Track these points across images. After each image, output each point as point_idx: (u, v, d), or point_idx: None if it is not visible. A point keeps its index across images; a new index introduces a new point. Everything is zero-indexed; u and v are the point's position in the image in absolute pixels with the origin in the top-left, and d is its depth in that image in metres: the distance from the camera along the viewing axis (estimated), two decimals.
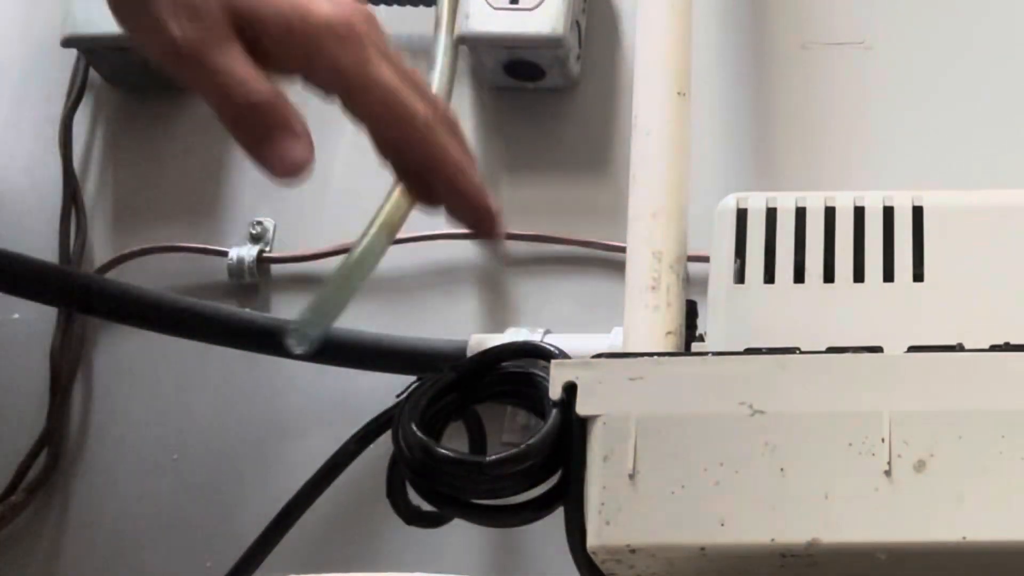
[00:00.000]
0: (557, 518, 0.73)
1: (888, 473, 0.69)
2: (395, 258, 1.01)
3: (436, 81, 1.03)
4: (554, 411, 0.73)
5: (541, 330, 1.01)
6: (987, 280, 0.78)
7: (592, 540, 0.70)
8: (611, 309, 0.97)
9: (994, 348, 0.72)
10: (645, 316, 0.81)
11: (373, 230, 0.94)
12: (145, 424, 1.08)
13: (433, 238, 1.05)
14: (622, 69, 1.09)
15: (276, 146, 0.69)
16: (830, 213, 0.80)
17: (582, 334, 0.99)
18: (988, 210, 0.80)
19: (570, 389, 0.73)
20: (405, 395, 0.78)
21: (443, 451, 0.74)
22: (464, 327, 1.04)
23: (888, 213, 0.80)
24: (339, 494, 0.95)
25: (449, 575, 0.92)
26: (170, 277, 1.09)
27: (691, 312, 0.82)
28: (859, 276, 0.79)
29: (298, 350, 0.88)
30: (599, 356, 0.74)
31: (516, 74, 1.09)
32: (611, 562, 0.70)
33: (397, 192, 0.93)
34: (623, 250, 0.86)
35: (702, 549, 0.69)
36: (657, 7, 0.92)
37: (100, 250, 1.11)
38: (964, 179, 1.02)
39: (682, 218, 0.85)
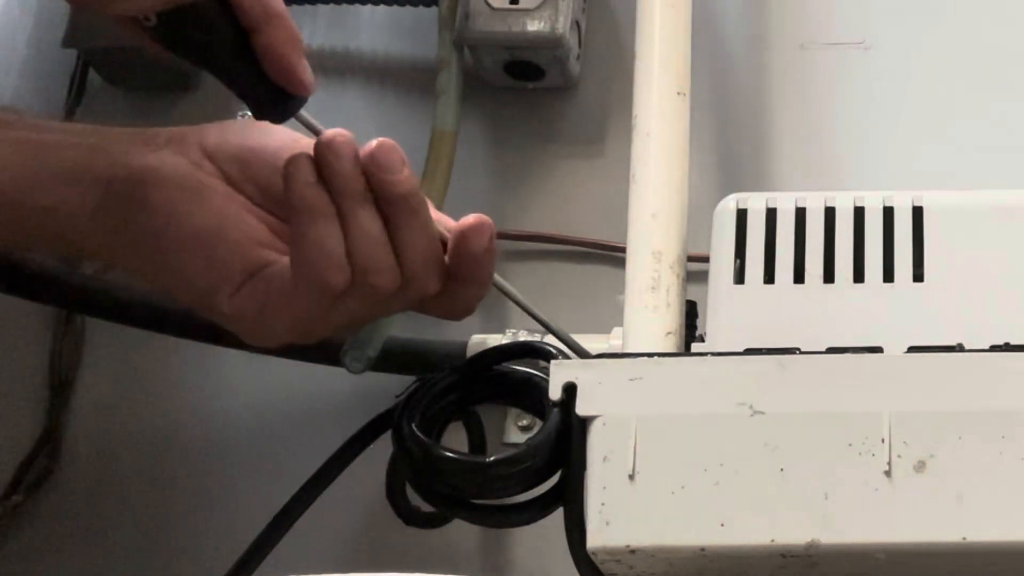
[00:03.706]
0: (557, 518, 0.73)
1: (888, 473, 0.69)
2: None
3: (445, 82, 1.03)
4: (554, 411, 0.73)
5: (541, 330, 1.01)
6: (987, 280, 0.78)
7: (592, 540, 0.70)
8: (611, 309, 0.97)
9: (994, 348, 0.72)
10: (645, 316, 0.81)
11: None
12: (145, 424, 1.08)
13: None
14: (622, 69, 1.09)
15: None
16: (830, 213, 0.80)
17: (582, 334, 0.98)
18: (988, 210, 0.80)
19: (570, 389, 0.73)
20: (405, 395, 0.78)
21: (443, 452, 0.75)
22: (464, 327, 1.03)
23: (888, 213, 0.80)
24: (338, 494, 0.95)
25: (449, 575, 0.92)
26: None
27: (691, 312, 0.82)
28: (859, 276, 0.79)
29: (355, 369, 0.89)
30: (599, 356, 0.74)
31: (516, 74, 1.08)
32: (611, 562, 0.70)
33: (428, 197, 0.92)
34: (623, 250, 0.86)
35: (702, 550, 0.69)
36: (657, 7, 0.92)
37: None
38: (964, 179, 1.02)
39: (682, 218, 0.85)
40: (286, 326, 0.75)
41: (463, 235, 0.75)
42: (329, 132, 0.74)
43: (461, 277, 0.76)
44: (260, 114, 0.74)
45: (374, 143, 0.74)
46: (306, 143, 0.76)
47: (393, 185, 0.73)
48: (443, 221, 0.77)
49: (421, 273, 0.75)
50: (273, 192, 0.76)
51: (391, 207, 0.74)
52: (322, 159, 0.73)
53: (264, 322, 0.75)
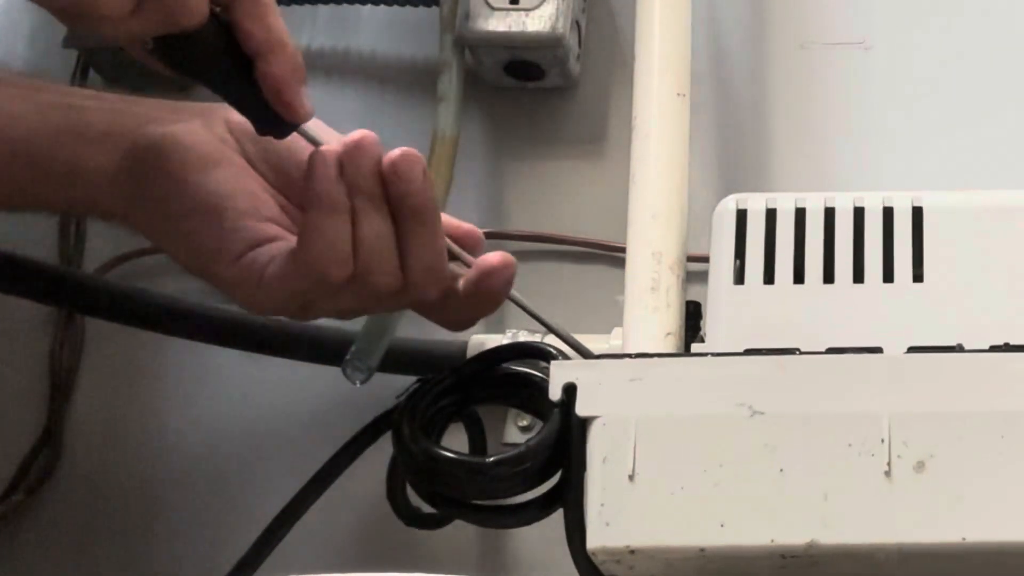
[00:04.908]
0: (557, 519, 0.73)
1: (888, 474, 0.69)
2: None
3: (447, 86, 1.03)
4: (554, 412, 0.73)
5: (541, 331, 1.01)
6: (987, 280, 0.78)
7: (592, 541, 0.70)
8: (611, 309, 0.97)
9: (994, 349, 0.72)
10: (645, 317, 0.81)
11: None
12: (145, 424, 1.08)
13: None
14: (622, 69, 1.09)
15: None
16: (829, 214, 0.80)
17: (582, 334, 0.99)
18: (988, 210, 0.80)
19: (570, 390, 0.73)
20: (405, 396, 0.78)
21: (443, 452, 0.75)
22: None
23: (888, 214, 0.80)
24: (339, 495, 0.95)
25: (449, 575, 0.92)
26: (170, 277, 1.09)
27: (695, 313, 0.82)
28: (859, 277, 0.79)
29: (356, 379, 0.89)
30: (599, 357, 0.74)
31: (516, 74, 1.09)
32: (611, 563, 0.70)
33: None
34: (623, 250, 0.86)
35: (702, 550, 0.69)
36: (657, 7, 0.92)
37: (100, 250, 1.11)
38: (964, 179, 1.02)
39: (682, 219, 0.85)
40: (280, 301, 0.77)
41: (487, 274, 0.77)
42: (357, 133, 0.75)
43: (475, 303, 0.78)
44: (260, 132, 0.75)
45: (398, 152, 0.75)
46: (327, 134, 0.78)
47: (408, 196, 0.75)
48: (452, 228, 0.78)
49: (422, 281, 0.76)
50: (286, 174, 0.78)
51: (403, 215, 0.75)
52: (347, 157, 0.74)
53: (259, 294, 0.76)
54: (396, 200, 0.75)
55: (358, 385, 0.90)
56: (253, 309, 0.78)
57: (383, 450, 0.80)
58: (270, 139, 0.77)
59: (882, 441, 0.69)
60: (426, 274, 0.76)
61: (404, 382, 0.81)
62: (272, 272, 0.75)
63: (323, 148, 0.75)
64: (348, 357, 0.90)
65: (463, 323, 0.80)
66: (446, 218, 0.79)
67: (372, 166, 0.74)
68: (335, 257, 0.74)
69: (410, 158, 0.75)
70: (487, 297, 0.78)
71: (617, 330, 0.94)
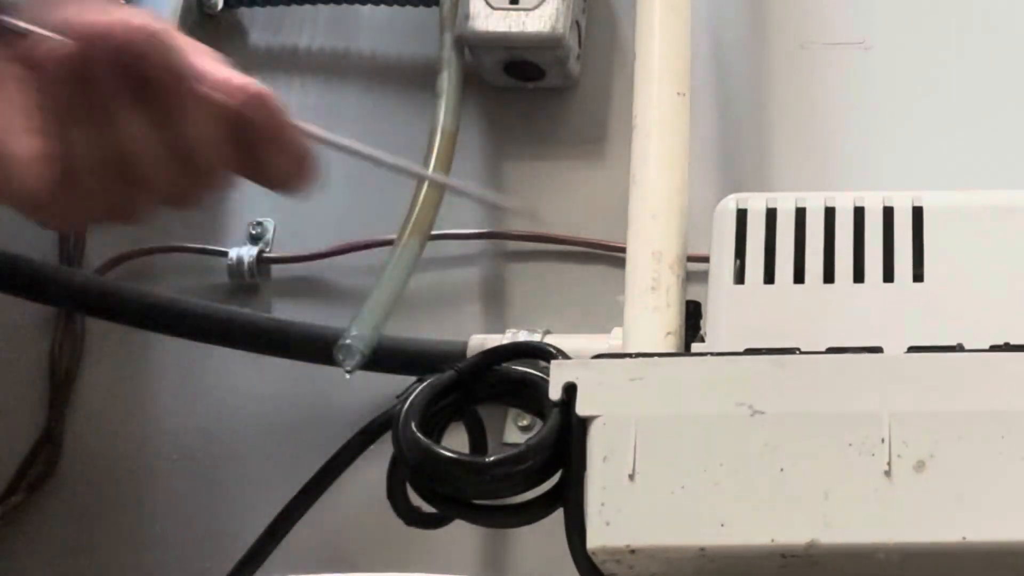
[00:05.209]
0: (557, 519, 0.73)
1: (888, 473, 0.69)
2: None
3: (446, 82, 1.03)
4: (554, 412, 0.73)
5: (541, 330, 1.01)
6: (987, 280, 0.78)
7: (592, 541, 0.70)
8: (611, 309, 0.97)
9: (994, 348, 0.72)
10: (645, 317, 0.82)
11: (405, 237, 0.95)
12: (145, 424, 1.08)
13: (433, 238, 1.04)
14: (622, 69, 1.10)
15: None
16: (830, 214, 0.80)
17: (582, 334, 0.99)
18: (988, 210, 0.80)
19: (570, 389, 0.73)
20: (405, 396, 0.78)
21: (443, 452, 0.74)
22: (464, 327, 1.04)
23: (888, 213, 0.80)
24: (339, 495, 0.95)
25: (449, 575, 0.92)
26: (170, 277, 1.10)
27: (695, 312, 0.83)
28: (859, 276, 0.79)
29: (348, 366, 0.89)
30: (599, 356, 0.74)
31: (516, 74, 1.09)
32: (611, 562, 0.70)
33: (424, 195, 0.93)
34: (623, 250, 0.86)
35: (702, 550, 0.69)
36: (657, 7, 0.92)
37: (100, 250, 1.11)
38: (964, 179, 1.02)
39: (682, 219, 0.85)
40: (73, 217, 0.70)
41: (238, 112, 0.69)
42: (99, 26, 0.67)
43: (261, 146, 0.71)
44: None
45: (130, 31, 0.67)
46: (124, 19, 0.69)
47: (152, 78, 0.67)
48: (221, 84, 0.70)
49: (206, 158, 0.69)
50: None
51: (155, 100, 0.68)
52: (79, 54, 0.67)
53: (51, 210, 0.68)
54: (141, 87, 0.67)
55: (348, 375, 0.90)
56: (51, 226, 0.71)
57: (383, 450, 0.80)
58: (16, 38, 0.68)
59: (882, 441, 0.69)
60: (207, 149, 0.69)
61: (404, 382, 0.80)
62: (52, 191, 0.67)
63: (56, 55, 0.66)
64: (340, 342, 0.89)
65: (282, 176, 0.72)
66: (216, 75, 0.70)
67: (108, 58, 0.66)
68: (98, 174, 0.67)
69: (145, 35, 0.67)
70: (262, 128, 0.69)
71: (617, 330, 0.94)
